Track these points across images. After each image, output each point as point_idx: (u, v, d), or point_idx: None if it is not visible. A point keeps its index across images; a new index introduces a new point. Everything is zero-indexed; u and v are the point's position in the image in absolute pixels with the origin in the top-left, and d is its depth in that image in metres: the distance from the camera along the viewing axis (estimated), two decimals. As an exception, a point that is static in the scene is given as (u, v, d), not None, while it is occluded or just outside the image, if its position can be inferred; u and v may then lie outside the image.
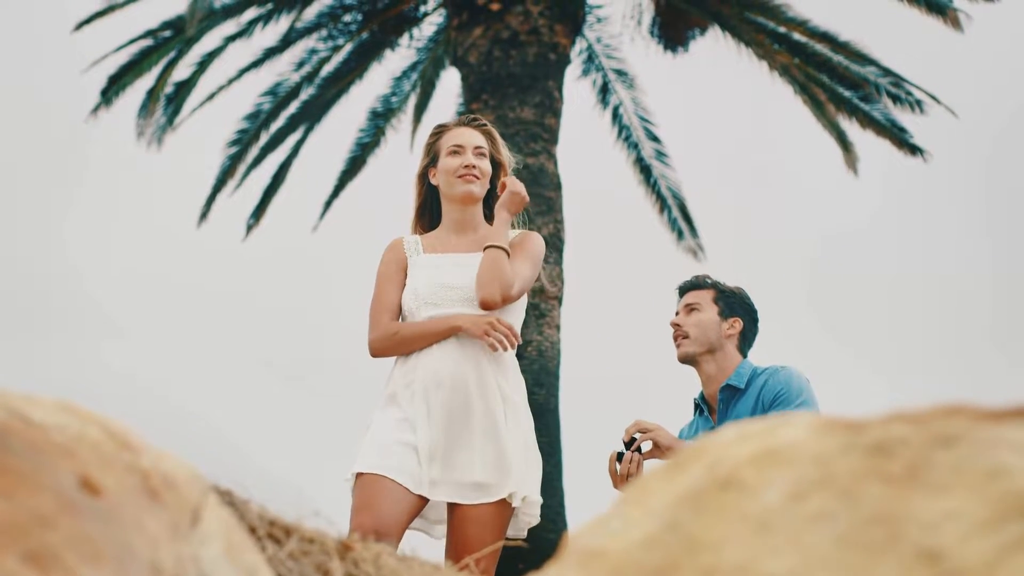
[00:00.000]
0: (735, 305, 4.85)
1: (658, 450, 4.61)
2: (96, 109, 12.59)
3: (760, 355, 4.90)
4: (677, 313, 4.88)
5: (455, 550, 4.03)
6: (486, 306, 4.20)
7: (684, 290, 4.93)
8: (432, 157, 4.46)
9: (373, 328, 4.28)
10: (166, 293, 24.25)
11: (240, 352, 24.24)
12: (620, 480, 4.59)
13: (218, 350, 23.99)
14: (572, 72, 12.76)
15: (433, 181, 4.44)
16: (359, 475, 4.04)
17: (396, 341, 4.23)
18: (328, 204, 14.15)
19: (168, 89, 12.72)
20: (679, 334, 4.83)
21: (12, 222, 24.07)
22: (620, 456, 4.64)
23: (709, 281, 4.91)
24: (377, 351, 4.27)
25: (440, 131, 4.49)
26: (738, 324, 4.82)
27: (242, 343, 23.81)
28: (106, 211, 25.55)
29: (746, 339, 4.85)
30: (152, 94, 12.54)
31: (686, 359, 4.82)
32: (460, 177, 4.35)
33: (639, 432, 4.63)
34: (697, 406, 4.88)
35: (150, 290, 24.17)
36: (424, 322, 4.22)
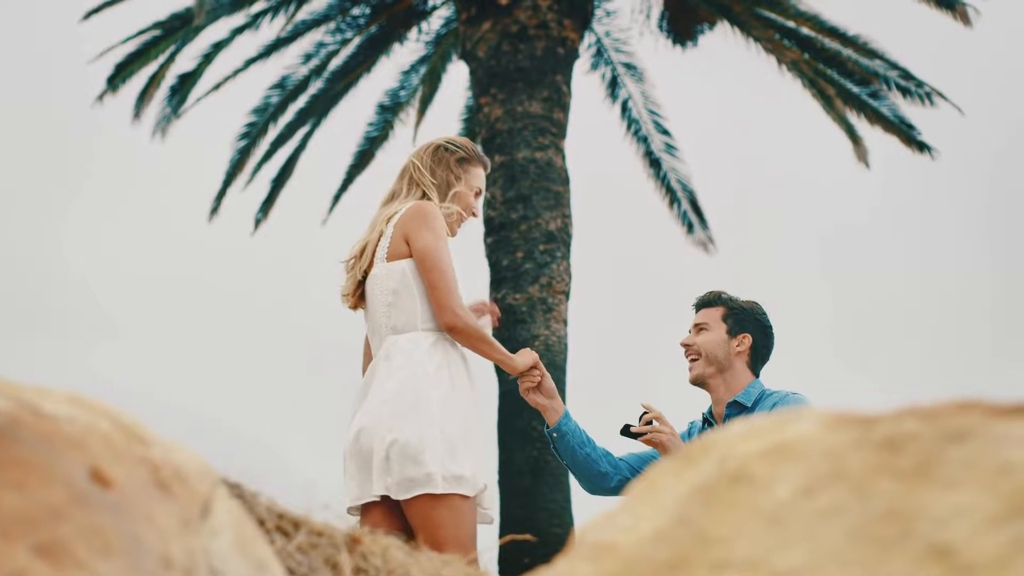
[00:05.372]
0: (745, 321, 4.82)
1: (660, 447, 4.63)
2: (102, 96, 12.60)
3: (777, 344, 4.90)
4: (690, 331, 4.87)
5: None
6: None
7: (697, 307, 4.92)
8: (456, 172, 4.50)
9: (456, 309, 4.16)
10: (171, 290, 24.25)
11: (247, 348, 24.25)
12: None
13: (224, 346, 23.99)
14: (581, 66, 12.77)
15: (454, 190, 4.48)
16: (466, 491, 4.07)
17: (473, 340, 4.23)
18: (337, 198, 14.16)
19: (172, 80, 12.73)
20: (690, 355, 4.82)
21: (10, 221, 24.08)
22: (626, 428, 4.65)
23: (721, 298, 4.88)
24: (457, 333, 4.19)
25: (478, 157, 4.57)
26: (747, 340, 4.80)
27: (248, 338, 23.82)
28: (108, 209, 25.56)
29: (757, 354, 4.82)
30: (154, 80, 12.55)
31: (696, 381, 4.81)
32: (465, 218, 4.51)
33: (655, 423, 4.63)
34: (705, 420, 4.87)
35: (154, 288, 24.17)
36: (499, 347, 4.30)
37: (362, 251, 4.37)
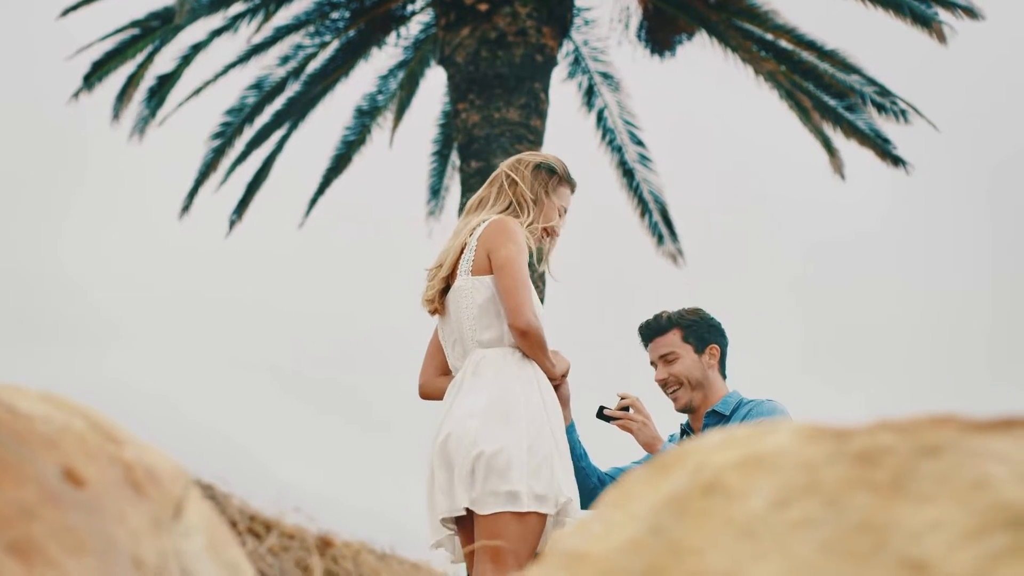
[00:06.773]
0: (703, 332, 4.81)
1: (632, 433, 4.65)
2: (77, 94, 12.54)
3: (744, 357, 4.91)
4: (653, 364, 4.82)
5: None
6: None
7: (648, 338, 4.85)
8: (549, 191, 4.51)
9: (529, 314, 4.15)
10: (155, 295, 24.19)
11: (225, 352, 24.19)
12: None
13: (203, 350, 23.93)
14: (558, 74, 12.79)
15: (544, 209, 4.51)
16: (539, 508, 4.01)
17: (536, 347, 4.20)
18: (313, 201, 14.13)
19: (151, 81, 12.70)
20: (670, 387, 4.79)
21: (2, 227, 23.97)
22: (600, 411, 4.67)
23: (671, 320, 4.82)
24: (528, 337, 4.16)
25: (569, 179, 4.58)
26: (715, 350, 4.80)
27: (227, 343, 23.75)
28: (99, 215, 25.46)
29: (723, 358, 4.84)
30: (132, 80, 12.50)
31: (685, 409, 4.79)
32: (548, 237, 4.53)
33: (631, 411, 4.64)
34: (684, 431, 4.87)
35: (142, 294, 24.10)
36: (550, 355, 4.27)
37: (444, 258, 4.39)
